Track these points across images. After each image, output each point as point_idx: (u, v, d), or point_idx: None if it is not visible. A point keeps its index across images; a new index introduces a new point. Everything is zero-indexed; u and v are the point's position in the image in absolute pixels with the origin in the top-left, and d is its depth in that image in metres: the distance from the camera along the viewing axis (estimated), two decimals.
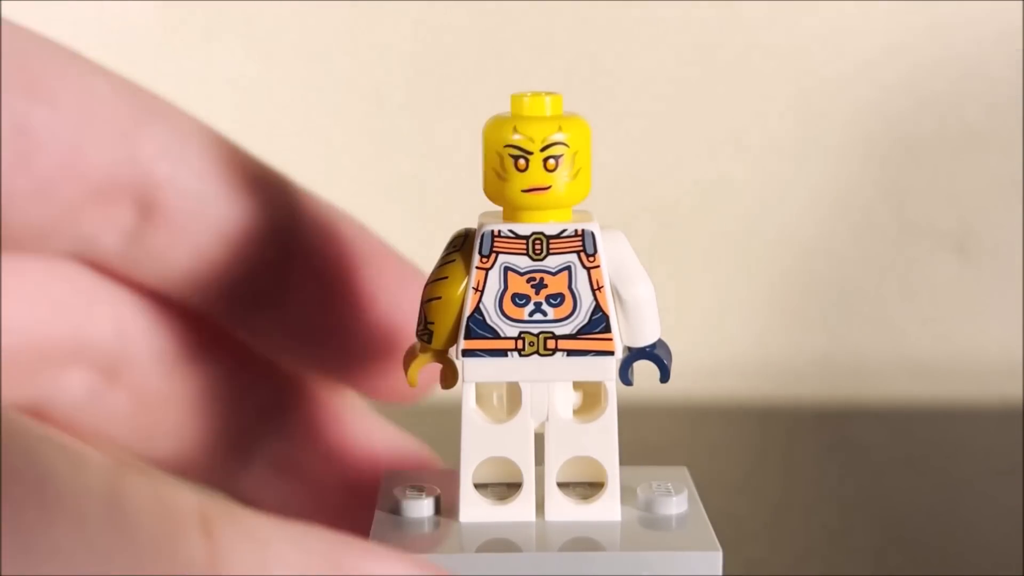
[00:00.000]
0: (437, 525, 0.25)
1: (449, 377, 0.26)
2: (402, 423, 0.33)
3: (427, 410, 0.33)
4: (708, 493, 0.27)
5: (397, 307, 0.29)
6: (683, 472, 0.27)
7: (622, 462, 0.26)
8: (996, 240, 0.60)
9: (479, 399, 0.26)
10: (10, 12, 0.57)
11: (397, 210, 0.59)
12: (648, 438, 0.53)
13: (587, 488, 0.26)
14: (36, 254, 0.28)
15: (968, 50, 0.58)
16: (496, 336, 0.25)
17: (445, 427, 0.26)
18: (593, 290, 0.25)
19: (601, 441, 0.25)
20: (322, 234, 0.29)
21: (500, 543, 0.24)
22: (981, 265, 0.61)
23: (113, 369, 0.29)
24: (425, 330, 0.25)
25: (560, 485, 0.25)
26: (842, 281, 0.61)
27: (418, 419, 0.35)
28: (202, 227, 0.28)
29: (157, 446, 0.29)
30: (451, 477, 0.26)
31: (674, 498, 0.26)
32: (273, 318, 0.29)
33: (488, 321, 0.25)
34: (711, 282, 0.61)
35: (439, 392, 0.27)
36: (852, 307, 0.61)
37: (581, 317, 0.25)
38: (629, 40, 0.58)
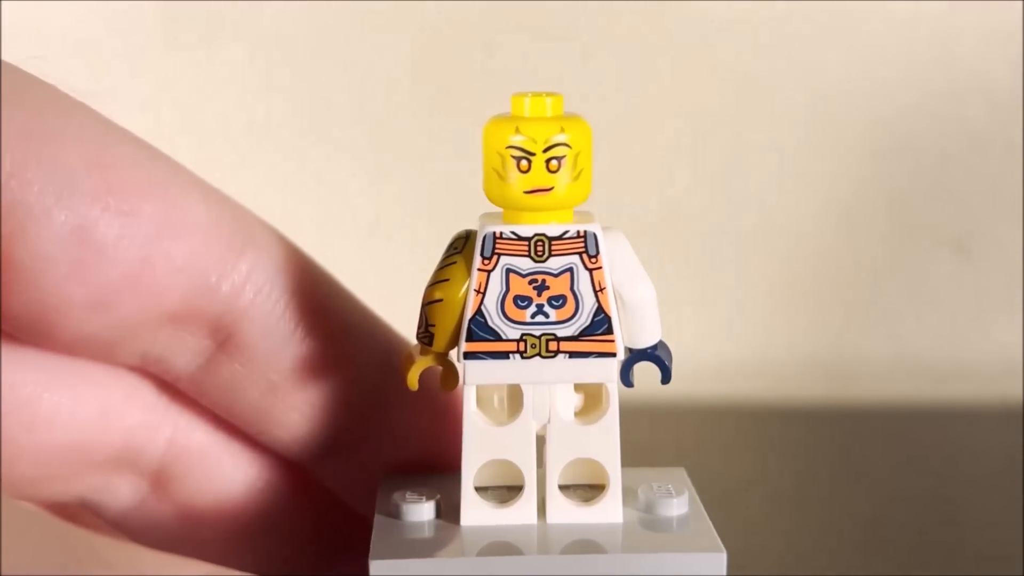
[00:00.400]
0: (438, 529, 0.25)
1: (450, 380, 0.26)
2: None
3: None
4: (708, 493, 0.27)
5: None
6: (681, 473, 0.27)
7: (623, 463, 0.26)
8: (996, 240, 0.60)
9: (479, 401, 0.26)
10: (10, 12, 0.57)
11: (397, 210, 0.59)
12: (648, 439, 0.53)
13: (588, 490, 0.26)
14: (99, 362, 0.27)
15: (968, 50, 0.58)
16: (498, 338, 0.25)
17: None
18: (595, 291, 0.25)
19: (603, 443, 0.25)
20: (404, 390, 0.28)
21: (501, 546, 0.24)
22: (981, 265, 0.61)
23: (162, 481, 0.28)
24: (426, 333, 0.25)
25: (561, 487, 0.25)
26: (842, 281, 0.61)
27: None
28: (279, 364, 0.27)
29: (206, 554, 0.28)
30: (451, 481, 0.26)
31: (675, 499, 0.25)
32: (345, 463, 0.28)
33: (490, 323, 0.25)
34: (711, 283, 0.61)
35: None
36: (852, 307, 0.61)
37: (583, 319, 0.25)
38: (630, 41, 0.58)
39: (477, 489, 0.25)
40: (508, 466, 0.25)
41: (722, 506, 0.26)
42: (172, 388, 0.28)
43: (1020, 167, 0.59)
